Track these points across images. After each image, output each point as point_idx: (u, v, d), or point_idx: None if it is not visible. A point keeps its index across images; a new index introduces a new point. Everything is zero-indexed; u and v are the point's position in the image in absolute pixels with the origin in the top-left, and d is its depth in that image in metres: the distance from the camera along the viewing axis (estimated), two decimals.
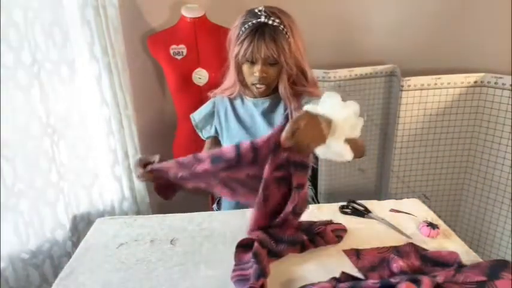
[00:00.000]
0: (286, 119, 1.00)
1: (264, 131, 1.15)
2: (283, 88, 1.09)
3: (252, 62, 1.03)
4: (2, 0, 1.04)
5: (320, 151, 0.77)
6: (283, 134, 0.75)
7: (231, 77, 1.12)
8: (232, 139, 1.17)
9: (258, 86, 1.07)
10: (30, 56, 1.14)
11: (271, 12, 1.01)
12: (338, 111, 0.77)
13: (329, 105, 0.78)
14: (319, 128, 0.75)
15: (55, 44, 1.24)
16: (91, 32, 1.29)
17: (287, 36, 1.01)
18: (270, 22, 1.00)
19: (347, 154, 0.78)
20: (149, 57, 1.65)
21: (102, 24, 1.30)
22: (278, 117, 1.15)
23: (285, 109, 1.14)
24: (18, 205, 1.15)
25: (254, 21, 1.00)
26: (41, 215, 1.23)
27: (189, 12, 1.52)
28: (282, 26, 1.00)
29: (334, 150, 0.77)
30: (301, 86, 1.11)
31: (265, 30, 0.99)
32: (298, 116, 0.75)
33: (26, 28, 1.12)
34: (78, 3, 1.24)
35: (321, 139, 0.76)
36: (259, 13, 1.01)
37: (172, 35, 1.54)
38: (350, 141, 0.80)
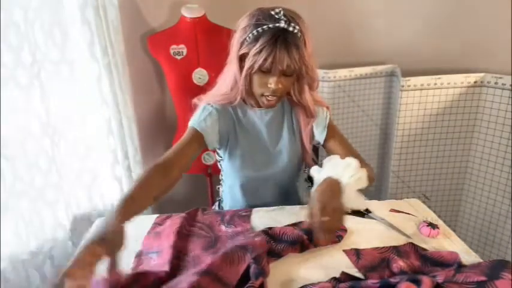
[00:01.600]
0: (294, 139, 1.09)
1: (267, 143, 1.10)
2: (309, 98, 1.03)
3: (266, 72, 0.93)
4: (2, 0, 1.04)
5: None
6: (313, 222, 0.78)
7: (228, 83, 1.02)
8: (235, 150, 1.09)
9: (269, 98, 0.97)
10: (30, 56, 1.13)
11: (291, 17, 0.90)
12: (342, 172, 0.84)
13: (332, 169, 0.86)
14: (338, 202, 0.81)
15: (55, 44, 1.24)
16: (91, 32, 1.28)
17: (304, 43, 0.91)
18: (291, 29, 0.88)
19: (360, 201, 0.87)
20: (149, 57, 1.65)
21: (102, 24, 1.30)
22: (283, 129, 1.10)
23: (287, 120, 1.10)
24: (18, 205, 1.15)
25: (271, 26, 0.88)
26: (41, 215, 1.23)
27: (189, 12, 1.52)
28: (299, 33, 0.90)
29: (351, 205, 0.85)
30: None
31: (288, 39, 0.88)
32: (315, 206, 0.79)
33: (26, 28, 1.12)
34: (78, 3, 1.24)
35: (342, 210, 0.81)
36: (277, 16, 0.89)
37: (172, 35, 1.54)
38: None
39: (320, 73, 1.72)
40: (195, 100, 1.10)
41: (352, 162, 0.86)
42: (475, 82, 1.63)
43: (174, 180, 0.92)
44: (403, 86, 1.64)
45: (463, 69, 1.67)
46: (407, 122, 1.70)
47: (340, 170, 0.85)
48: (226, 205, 1.24)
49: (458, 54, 1.73)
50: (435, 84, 1.64)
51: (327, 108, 1.12)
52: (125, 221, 0.74)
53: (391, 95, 1.81)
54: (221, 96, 1.05)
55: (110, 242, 0.68)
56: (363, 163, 0.97)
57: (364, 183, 0.86)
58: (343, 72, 1.74)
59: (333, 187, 0.83)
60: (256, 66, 0.91)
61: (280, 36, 0.88)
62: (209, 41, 1.54)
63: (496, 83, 1.59)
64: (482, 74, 1.62)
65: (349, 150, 1.07)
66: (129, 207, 0.78)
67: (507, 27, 1.57)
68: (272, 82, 0.93)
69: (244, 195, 1.15)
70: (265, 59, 0.89)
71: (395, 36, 1.77)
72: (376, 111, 1.85)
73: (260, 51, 0.89)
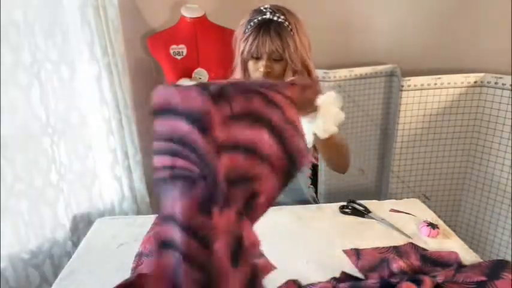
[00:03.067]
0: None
1: None
2: None
3: (257, 58, 1.04)
4: (2, 0, 1.04)
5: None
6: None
7: (237, 75, 1.13)
8: None
9: None
10: (30, 56, 1.13)
11: (276, 9, 1.03)
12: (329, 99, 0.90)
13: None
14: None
15: (55, 44, 1.24)
16: (91, 32, 1.28)
17: (292, 33, 1.02)
18: (275, 18, 1.01)
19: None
20: (149, 57, 1.65)
21: (102, 24, 1.30)
22: None
23: None
24: (18, 205, 1.15)
25: (259, 18, 1.02)
26: (41, 215, 1.23)
27: (189, 12, 1.52)
28: (286, 23, 1.02)
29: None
30: None
31: (270, 26, 1.00)
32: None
33: (26, 28, 1.12)
34: (78, 3, 1.24)
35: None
36: (264, 10, 1.03)
37: (172, 35, 1.54)
38: (332, 145, 0.98)
39: (320, 73, 1.72)
40: None
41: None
42: (475, 82, 1.63)
43: None
44: (403, 86, 1.64)
45: (463, 69, 1.67)
46: (407, 122, 1.70)
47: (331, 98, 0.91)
48: None
49: (458, 54, 1.73)
50: (435, 84, 1.64)
51: None
52: None
53: (391, 95, 1.81)
54: None
55: None
56: (347, 149, 1.07)
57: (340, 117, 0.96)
58: (343, 72, 1.74)
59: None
60: (245, 52, 1.03)
61: (264, 25, 1.01)
62: (209, 41, 1.54)
63: (496, 83, 1.59)
64: (482, 74, 1.62)
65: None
66: None
67: (507, 27, 1.57)
68: (261, 66, 1.04)
69: None
70: (251, 45, 1.01)
71: (395, 36, 1.77)
72: (376, 111, 1.85)
73: (247, 39, 1.02)
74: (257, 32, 1.01)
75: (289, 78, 1.08)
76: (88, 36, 1.28)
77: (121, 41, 1.38)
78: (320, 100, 0.82)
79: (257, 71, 1.06)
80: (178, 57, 1.53)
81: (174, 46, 1.53)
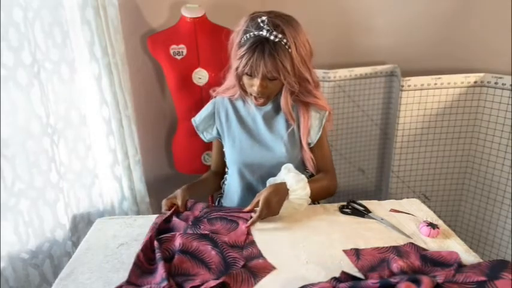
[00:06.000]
0: (293, 133, 1.14)
1: (265, 134, 1.14)
2: (284, 103, 1.08)
3: (251, 75, 1.01)
4: (2, 0, 1.04)
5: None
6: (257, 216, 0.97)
7: (231, 78, 1.11)
8: (233, 141, 1.16)
9: (257, 98, 1.07)
10: (30, 56, 1.14)
11: (274, 25, 0.97)
12: (295, 186, 1.01)
13: (289, 178, 1.02)
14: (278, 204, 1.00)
15: (55, 44, 1.24)
16: (91, 32, 1.28)
17: (289, 50, 0.97)
18: (272, 38, 0.96)
19: (290, 213, 1.04)
20: (149, 57, 1.65)
21: (102, 24, 1.30)
22: (279, 121, 1.15)
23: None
24: (18, 205, 1.15)
25: (256, 33, 0.97)
26: (41, 215, 1.23)
27: (189, 12, 1.52)
28: (284, 41, 0.97)
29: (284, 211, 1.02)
30: (307, 94, 1.10)
31: (265, 47, 0.96)
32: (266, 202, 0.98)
33: (26, 28, 1.12)
34: (78, 3, 1.24)
35: (277, 211, 1.01)
36: (261, 24, 0.97)
37: (172, 35, 1.54)
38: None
39: (320, 73, 1.72)
40: (211, 91, 1.23)
41: (305, 186, 1.03)
42: (475, 82, 1.63)
43: (220, 177, 1.30)
44: (403, 86, 1.64)
45: (463, 69, 1.67)
46: (407, 122, 1.70)
47: (294, 183, 1.01)
48: (226, 201, 1.25)
49: (458, 54, 1.73)
50: (435, 84, 1.64)
51: (329, 113, 1.15)
52: (188, 189, 1.13)
53: (391, 95, 1.81)
54: (226, 90, 1.16)
55: (176, 196, 1.10)
56: (331, 176, 1.15)
57: (302, 207, 1.04)
58: (343, 72, 1.74)
59: (281, 192, 1.01)
60: (239, 70, 1.01)
61: (259, 45, 0.96)
62: (209, 41, 1.54)
63: (496, 83, 1.59)
64: (482, 74, 1.62)
65: (324, 160, 1.16)
66: (193, 185, 1.18)
67: (507, 27, 1.57)
68: (255, 85, 1.02)
69: (243, 188, 1.18)
70: (245, 65, 0.98)
71: (395, 36, 1.77)
72: (376, 111, 1.85)
73: (242, 57, 0.99)
74: (251, 53, 0.96)
75: (286, 96, 1.07)
76: (88, 36, 1.28)
77: (121, 41, 1.38)
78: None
79: (251, 87, 1.04)
80: (178, 57, 1.53)
81: (174, 46, 1.53)
